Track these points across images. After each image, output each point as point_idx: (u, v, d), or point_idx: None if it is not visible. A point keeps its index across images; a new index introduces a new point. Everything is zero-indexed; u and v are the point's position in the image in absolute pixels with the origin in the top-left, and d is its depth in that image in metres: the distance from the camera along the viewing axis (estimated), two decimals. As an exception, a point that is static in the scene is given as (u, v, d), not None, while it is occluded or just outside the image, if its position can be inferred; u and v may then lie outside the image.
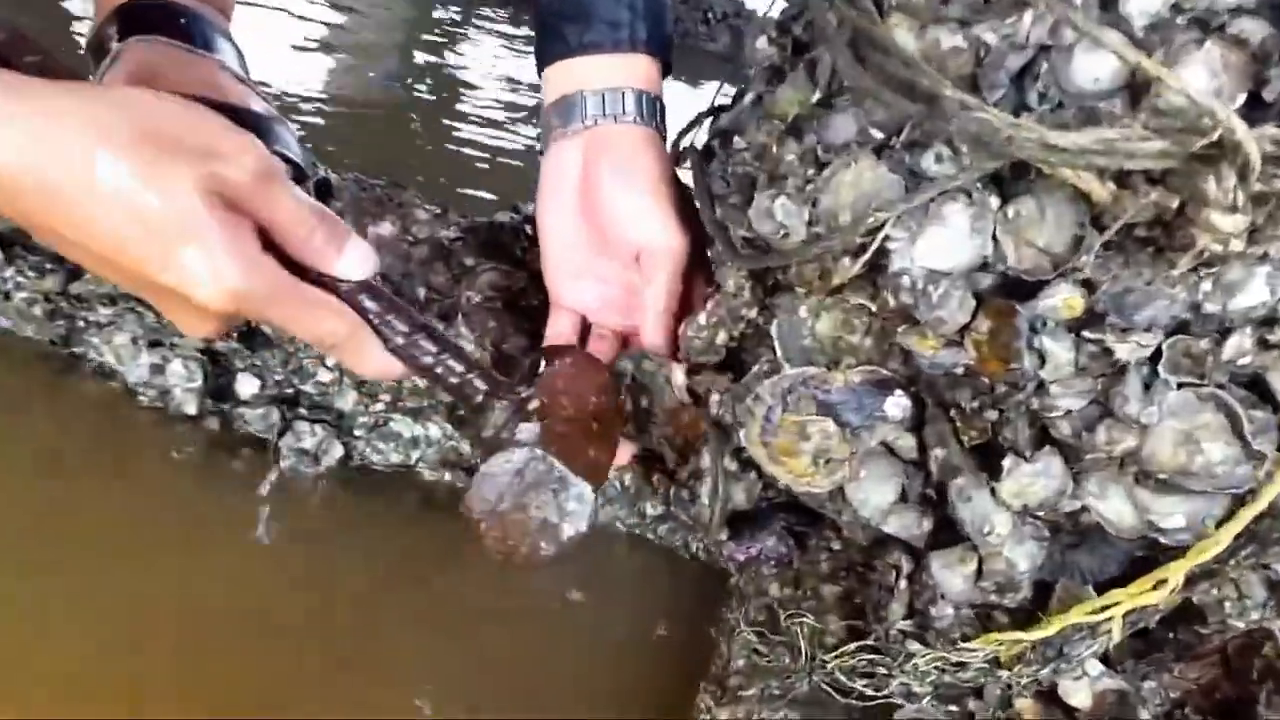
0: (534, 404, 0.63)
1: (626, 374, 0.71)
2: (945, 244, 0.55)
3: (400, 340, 0.60)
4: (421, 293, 0.83)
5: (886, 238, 0.55)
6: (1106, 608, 0.58)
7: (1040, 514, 0.60)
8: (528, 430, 0.61)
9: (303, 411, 0.82)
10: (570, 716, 0.70)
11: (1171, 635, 0.62)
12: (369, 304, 0.59)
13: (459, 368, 0.62)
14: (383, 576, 0.77)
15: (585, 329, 0.80)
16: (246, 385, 0.82)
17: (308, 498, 0.81)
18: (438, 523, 0.82)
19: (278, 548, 0.77)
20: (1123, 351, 0.54)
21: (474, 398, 0.63)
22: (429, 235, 0.88)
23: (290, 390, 0.83)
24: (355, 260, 0.58)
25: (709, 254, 0.73)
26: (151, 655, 0.67)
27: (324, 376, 0.82)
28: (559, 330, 0.79)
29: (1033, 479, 0.58)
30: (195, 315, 0.54)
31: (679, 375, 0.69)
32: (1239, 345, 0.54)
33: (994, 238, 0.55)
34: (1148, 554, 0.61)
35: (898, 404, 0.63)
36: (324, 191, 0.89)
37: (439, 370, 0.62)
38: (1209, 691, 0.62)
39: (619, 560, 0.83)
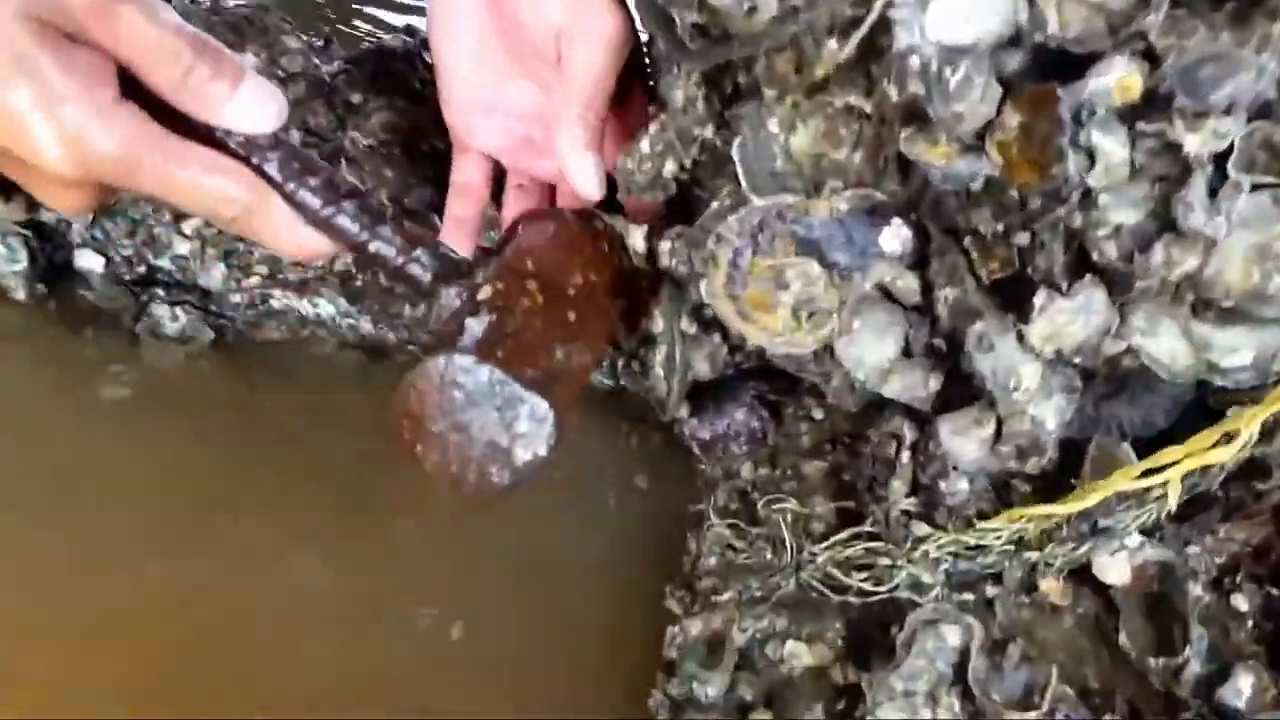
0: (485, 292, 0.47)
1: None
2: (965, 8, 0.41)
3: (322, 210, 0.46)
4: (296, 137, 0.67)
5: (889, 3, 0.41)
6: (1157, 470, 0.47)
7: (1076, 360, 0.48)
8: (471, 330, 0.45)
9: (160, 292, 0.67)
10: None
11: (1221, 493, 0.52)
12: (275, 165, 0.45)
13: (399, 242, 0.48)
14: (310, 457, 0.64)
15: (499, 178, 0.65)
16: (87, 262, 0.66)
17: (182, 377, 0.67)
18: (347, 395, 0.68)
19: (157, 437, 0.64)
20: (1192, 143, 0.42)
21: (420, 281, 0.49)
22: (303, 69, 0.71)
23: (142, 267, 0.67)
24: (253, 102, 0.44)
25: (651, 58, 0.58)
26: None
27: (182, 248, 0.66)
28: (466, 179, 0.64)
29: (1070, 317, 0.46)
30: (44, 182, 0.42)
31: (638, 238, 0.55)
32: (1338, 130, 0.42)
33: (1030, -2, 0.41)
34: (1199, 401, 0.51)
35: (896, 235, 0.50)
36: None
37: (373, 247, 0.48)
38: (1262, 554, 0.53)
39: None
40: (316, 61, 0.71)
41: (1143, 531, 0.52)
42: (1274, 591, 0.53)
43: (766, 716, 0.46)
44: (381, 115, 0.69)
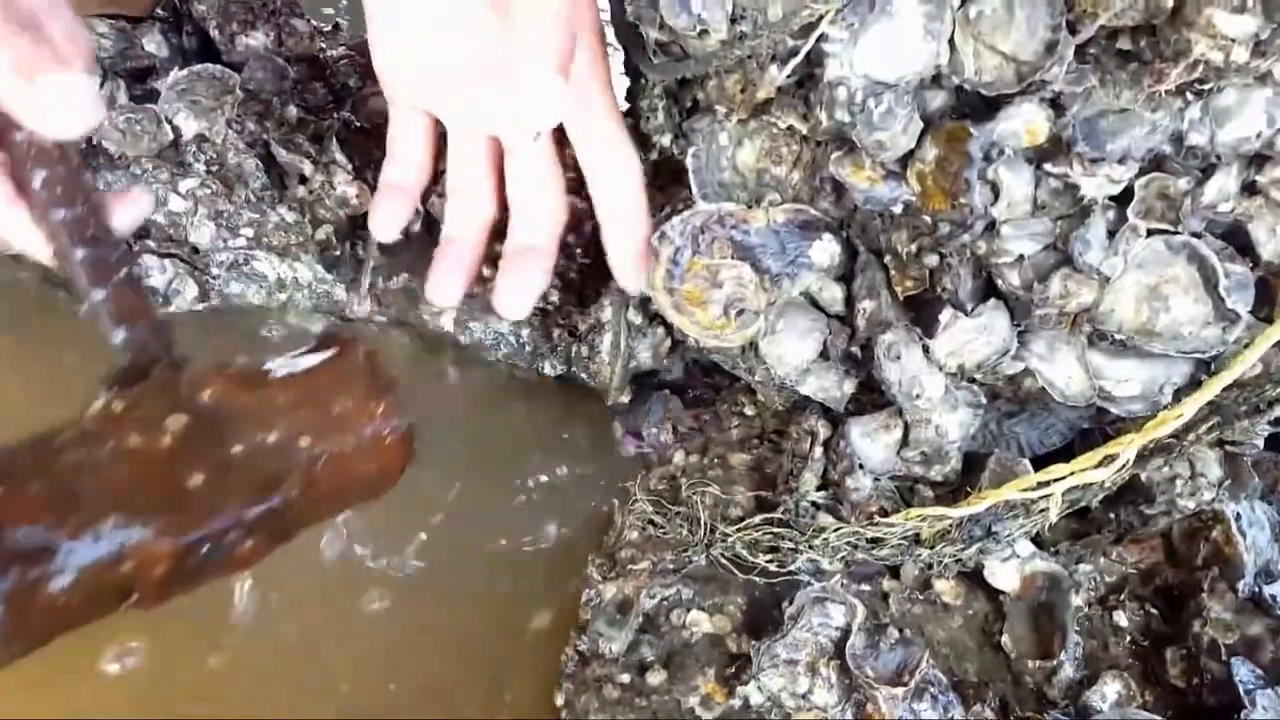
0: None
1: None
2: (893, 46, 0.46)
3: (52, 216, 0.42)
4: (294, 112, 0.72)
5: (823, 36, 0.46)
6: (1045, 484, 0.51)
7: (977, 377, 0.53)
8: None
9: (150, 244, 0.71)
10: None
11: (1113, 515, 0.56)
12: (40, 178, 0.41)
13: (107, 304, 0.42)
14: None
15: (440, 145, 0.59)
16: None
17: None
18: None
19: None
20: (1089, 187, 0.46)
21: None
22: (307, 50, 0.76)
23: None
24: (58, 104, 0.39)
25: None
26: None
27: (176, 205, 0.70)
28: (408, 141, 0.59)
29: (972, 336, 0.51)
30: None
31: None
32: (1222, 187, 0.47)
33: (951, 43, 0.46)
34: (1094, 426, 0.55)
35: (825, 249, 0.54)
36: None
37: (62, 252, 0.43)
38: (1148, 576, 0.57)
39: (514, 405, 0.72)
40: (322, 45, 0.75)
41: (1038, 545, 0.56)
42: (1154, 611, 0.57)
43: (662, 675, 0.50)
44: (378, 101, 0.73)
